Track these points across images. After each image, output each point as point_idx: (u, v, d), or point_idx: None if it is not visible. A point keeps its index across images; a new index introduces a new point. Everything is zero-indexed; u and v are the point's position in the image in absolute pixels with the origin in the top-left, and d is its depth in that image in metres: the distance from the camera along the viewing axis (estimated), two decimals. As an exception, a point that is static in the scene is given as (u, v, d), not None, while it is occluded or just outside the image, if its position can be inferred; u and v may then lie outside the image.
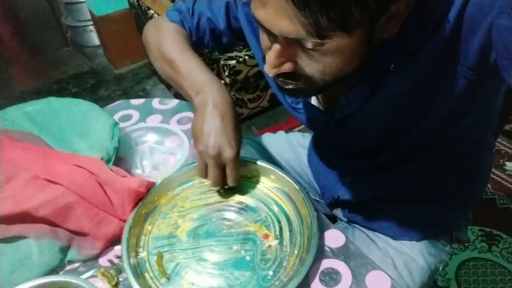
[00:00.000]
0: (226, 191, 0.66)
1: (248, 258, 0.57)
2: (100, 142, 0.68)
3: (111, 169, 0.64)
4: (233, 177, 0.61)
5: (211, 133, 0.58)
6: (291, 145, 0.94)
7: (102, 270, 0.57)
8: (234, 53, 1.73)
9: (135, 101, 0.90)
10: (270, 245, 0.59)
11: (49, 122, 0.72)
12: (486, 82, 0.50)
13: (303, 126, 1.60)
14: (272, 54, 0.47)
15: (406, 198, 0.74)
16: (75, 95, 2.30)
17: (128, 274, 0.54)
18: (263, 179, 0.68)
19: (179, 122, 0.83)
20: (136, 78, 2.43)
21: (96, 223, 0.59)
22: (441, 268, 0.77)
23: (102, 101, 2.15)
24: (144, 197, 0.63)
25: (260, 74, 1.72)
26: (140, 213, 0.62)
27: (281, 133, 0.99)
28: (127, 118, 0.85)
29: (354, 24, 0.42)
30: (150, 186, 0.64)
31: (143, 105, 0.89)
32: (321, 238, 0.59)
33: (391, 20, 0.45)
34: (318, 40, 0.43)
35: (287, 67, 0.49)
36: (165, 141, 0.79)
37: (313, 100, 0.66)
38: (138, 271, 0.56)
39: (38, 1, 2.82)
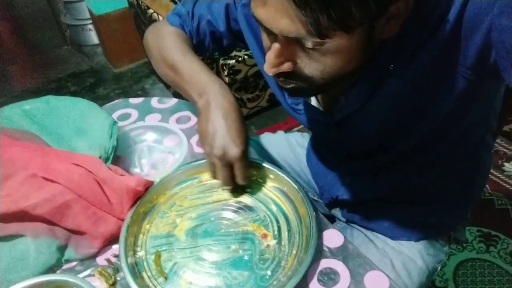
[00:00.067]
0: (235, 189, 0.65)
1: (246, 257, 0.57)
2: (99, 141, 0.68)
3: (109, 168, 0.63)
4: (241, 175, 0.60)
5: (215, 134, 0.58)
6: (290, 144, 0.94)
7: (99, 269, 0.57)
8: (234, 53, 1.72)
9: (134, 100, 0.90)
10: (268, 245, 0.59)
11: (48, 121, 0.72)
12: (485, 82, 0.50)
13: (302, 126, 1.60)
14: (271, 53, 0.47)
15: (405, 198, 0.74)
16: (74, 94, 2.30)
17: (126, 273, 0.54)
18: (261, 179, 0.68)
19: (178, 121, 0.83)
20: (135, 77, 2.43)
21: (94, 221, 0.59)
22: (439, 268, 0.77)
23: (101, 100, 2.15)
24: (142, 196, 0.63)
25: (260, 74, 1.72)
26: (138, 212, 0.62)
27: (280, 132, 0.99)
28: (125, 117, 0.85)
29: (354, 24, 0.42)
30: (148, 185, 0.64)
31: (142, 104, 0.89)
32: (319, 238, 0.59)
33: (391, 20, 0.45)
34: (318, 40, 0.43)
35: (286, 66, 0.49)
36: (163, 140, 0.78)
37: (313, 101, 0.66)
38: (136, 270, 0.55)
39: (37, -1, 2.82)
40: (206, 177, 0.69)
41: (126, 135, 0.77)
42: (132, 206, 0.62)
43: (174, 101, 0.89)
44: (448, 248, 0.79)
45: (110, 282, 0.55)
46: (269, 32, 0.47)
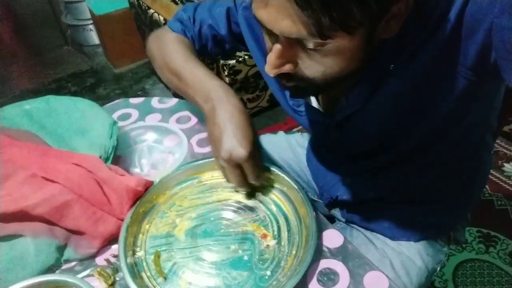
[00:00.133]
0: (251, 192, 0.65)
1: (246, 258, 0.57)
2: (99, 141, 0.68)
3: (109, 168, 0.63)
4: (251, 175, 0.60)
5: (221, 138, 0.58)
6: (290, 145, 0.94)
7: (98, 269, 0.57)
8: (234, 53, 1.73)
9: (134, 100, 0.90)
10: (268, 245, 0.59)
11: (48, 121, 0.72)
12: (486, 82, 0.50)
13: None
14: (272, 54, 0.47)
15: (405, 199, 0.74)
16: (74, 94, 2.30)
17: (125, 273, 0.54)
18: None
19: (178, 121, 0.83)
20: (135, 77, 2.43)
21: (94, 221, 0.59)
22: (438, 268, 0.77)
23: (101, 100, 2.15)
24: (142, 196, 0.63)
25: (260, 74, 1.72)
26: (138, 212, 0.62)
27: (280, 133, 0.99)
28: (126, 117, 0.85)
29: (356, 25, 0.42)
30: (148, 185, 0.64)
31: (142, 104, 0.89)
32: (319, 238, 0.59)
33: (391, 20, 0.45)
34: (320, 40, 0.43)
35: (287, 67, 0.49)
36: (164, 140, 0.78)
37: (314, 102, 0.66)
38: (135, 271, 0.55)
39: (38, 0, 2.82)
40: (206, 177, 0.69)
41: (126, 135, 0.77)
42: (131, 206, 0.62)
43: (174, 101, 0.89)
44: (447, 249, 0.79)
45: (109, 282, 0.55)
46: (270, 33, 0.47)
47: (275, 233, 0.60)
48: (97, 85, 2.39)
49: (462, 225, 0.83)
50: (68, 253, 0.58)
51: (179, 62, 0.69)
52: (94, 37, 2.67)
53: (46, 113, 0.73)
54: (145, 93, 2.29)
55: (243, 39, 0.72)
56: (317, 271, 0.56)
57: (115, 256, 0.59)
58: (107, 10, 2.22)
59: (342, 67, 0.48)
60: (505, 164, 1.64)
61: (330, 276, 0.55)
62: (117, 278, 0.56)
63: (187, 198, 0.66)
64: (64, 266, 0.58)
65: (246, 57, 1.71)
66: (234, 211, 0.64)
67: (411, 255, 0.73)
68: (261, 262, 0.56)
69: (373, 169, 0.70)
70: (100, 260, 0.59)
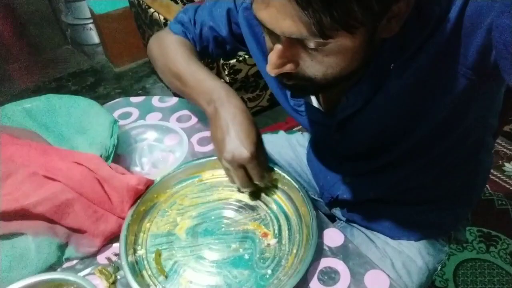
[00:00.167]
0: (256, 192, 0.65)
1: (246, 256, 0.57)
2: (99, 139, 0.68)
3: (110, 166, 0.63)
4: (255, 176, 0.59)
5: (224, 140, 0.58)
6: (290, 144, 0.94)
7: (99, 267, 0.56)
8: (234, 52, 1.73)
9: (134, 99, 0.90)
10: (268, 244, 0.59)
11: (48, 119, 0.72)
12: (486, 82, 0.50)
13: (302, 125, 1.60)
14: (274, 54, 0.47)
15: (405, 198, 0.74)
16: (74, 93, 2.30)
17: (126, 271, 0.54)
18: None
19: (179, 120, 0.83)
20: (135, 76, 2.43)
21: (95, 220, 0.59)
22: (439, 268, 0.77)
23: (101, 99, 2.15)
24: (143, 195, 0.63)
25: (260, 73, 1.72)
26: (138, 211, 0.62)
27: (280, 132, 0.99)
28: (126, 115, 0.85)
29: (357, 24, 0.41)
30: (149, 184, 0.64)
31: (143, 102, 0.89)
32: (320, 237, 0.59)
33: (392, 19, 0.45)
34: (321, 40, 0.43)
35: (288, 67, 0.48)
36: (164, 139, 0.78)
37: (314, 102, 0.66)
38: (136, 269, 0.55)
39: (38, -1, 2.82)
40: (206, 176, 0.69)
41: (127, 134, 0.77)
42: (132, 204, 0.62)
43: (174, 100, 0.89)
44: (448, 248, 0.79)
45: (111, 280, 0.55)
46: (271, 33, 0.47)
47: (276, 232, 0.60)
48: (97, 84, 2.40)
49: (462, 225, 0.83)
50: (69, 251, 0.58)
51: (180, 65, 0.69)
52: (94, 36, 2.67)
53: (47, 111, 0.73)
54: (145, 92, 2.29)
55: (244, 40, 0.72)
56: (317, 270, 0.56)
57: (116, 255, 0.59)
58: (107, 9, 2.22)
59: (343, 67, 0.48)
60: (506, 164, 1.64)
61: (331, 274, 0.55)
62: (118, 277, 0.56)
63: (188, 197, 0.66)
64: (65, 265, 0.58)
65: (246, 56, 1.71)
66: (235, 210, 0.64)
67: (412, 254, 0.73)
68: (262, 260, 0.57)
69: (374, 169, 0.70)
70: (101, 259, 0.59)
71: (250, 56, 1.73)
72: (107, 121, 0.71)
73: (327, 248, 0.59)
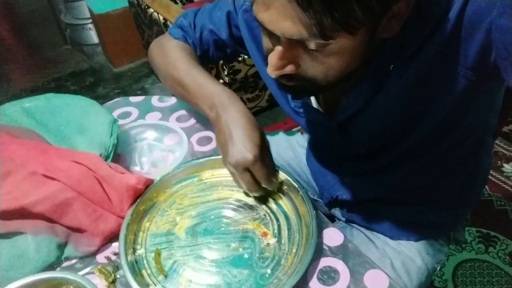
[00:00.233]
0: (264, 197, 0.64)
1: (246, 256, 0.57)
2: (99, 139, 0.68)
3: (109, 166, 0.63)
4: (261, 178, 0.59)
5: (226, 144, 0.58)
6: (290, 144, 0.94)
7: (99, 267, 0.56)
8: (234, 53, 1.73)
9: (134, 99, 0.90)
10: (268, 243, 0.59)
11: (48, 118, 0.72)
12: (486, 82, 0.50)
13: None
14: (274, 56, 0.47)
15: (405, 198, 0.74)
16: (73, 93, 2.27)
17: (126, 271, 0.54)
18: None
19: (178, 119, 0.83)
20: (134, 76, 2.43)
21: (94, 219, 0.59)
22: (438, 268, 0.77)
23: (100, 100, 2.13)
24: (143, 194, 0.63)
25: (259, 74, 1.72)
26: (138, 210, 0.62)
27: (280, 132, 0.99)
28: (126, 115, 0.85)
29: (358, 25, 0.41)
30: (148, 183, 0.64)
31: (142, 102, 0.89)
32: (319, 236, 0.59)
33: (392, 20, 0.45)
34: (322, 41, 0.43)
35: (289, 69, 0.48)
36: (164, 139, 0.78)
37: (314, 104, 0.66)
38: (136, 268, 0.55)
39: (37, -1, 2.82)
40: (206, 175, 0.69)
41: (127, 133, 0.77)
42: (132, 204, 0.62)
43: (174, 99, 0.89)
44: (447, 248, 0.79)
45: (110, 280, 0.55)
46: (272, 35, 0.47)
47: (275, 231, 0.60)
48: (96, 84, 2.39)
49: (462, 225, 0.83)
50: (68, 250, 0.58)
51: (181, 70, 0.69)
52: (93, 36, 2.67)
53: (46, 110, 0.73)
54: (144, 92, 2.29)
55: (244, 43, 0.72)
56: (317, 269, 0.56)
57: (116, 254, 0.59)
58: (107, 9, 2.22)
59: (343, 67, 0.48)
60: (505, 165, 1.64)
61: (330, 274, 0.55)
62: (118, 276, 0.56)
63: (187, 196, 0.66)
64: (65, 264, 0.58)
65: (245, 56, 1.71)
66: (234, 210, 0.64)
67: (411, 254, 0.73)
68: (261, 260, 0.57)
69: (374, 169, 0.70)
70: (100, 258, 0.59)
71: (249, 57, 1.74)
72: (106, 121, 0.71)
73: (326, 248, 0.59)
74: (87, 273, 0.57)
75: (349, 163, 0.73)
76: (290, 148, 0.93)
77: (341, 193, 0.76)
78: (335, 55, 0.46)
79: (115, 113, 0.85)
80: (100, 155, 0.65)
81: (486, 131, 0.70)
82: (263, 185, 0.60)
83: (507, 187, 1.55)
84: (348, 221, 0.81)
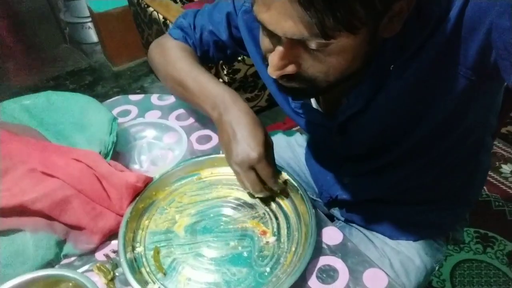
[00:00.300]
0: (270, 198, 0.64)
1: (245, 254, 0.57)
2: (98, 136, 0.68)
3: (109, 164, 0.63)
4: (266, 177, 0.59)
5: (231, 144, 0.58)
6: (289, 144, 0.94)
7: (98, 264, 0.56)
8: (233, 52, 1.72)
9: (133, 97, 0.90)
10: (267, 242, 0.59)
11: (47, 116, 0.71)
12: (486, 82, 0.50)
13: (300, 126, 1.60)
14: (275, 56, 0.47)
15: (404, 198, 0.74)
16: (73, 92, 2.29)
17: (125, 268, 0.54)
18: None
19: (178, 118, 0.83)
20: (134, 75, 2.43)
21: (93, 217, 0.59)
22: (437, 268, 0.77)
23: (100, 98, 2.13)
24: (142, 192, 0.63)
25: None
26: (137, 208, 0.62)
27: (279, 132, 0.99)
28: (125, 113, 0.85)
29: (359, 24, 0.41)
30: (147, 181, 0.64)
31: (142, 100, 0.89)
32: (318, 235, 0.59)
33: (393, 19, 0.45)
34: (323, 41, 0.43)
35: (290, 69, 0.48)
36: (163, 137, 0.78)
37: (314, 105, 0.66)
38: (135, 266, 0.55)
39: (36, -3, 2.82)
40: (205, 174, 0.69)
41: (126, 132, 0.77)
42: (131, 202, 0.62)
43: (173, 98, 0.89)
44: (446, 248, 0.79)
45: (109, 277, 0.55)
46: (272, 35, 0.47)
47: (275, 230, 0.60)
48: (95, 83, 2.39)
49: (461, 225, 0.83)
50: (67, 248, 0.58)
51: (182, 71, 0.69)
52: (92, 35, 2.67)
53: (46, 108, 0.72)
54: (143, 91, 2.29)
55: (244, 44, 0.72)
56: (316, 268, 0.56)
57: (115, 252, 0.59)
58: (106, 8, 2.22)
59: (344, 67, 0.48)
60: (503, 166, 1.65)
61: (329, 273, 0.55)
62: (117, 274, 0.56)
63: (187, 195, 0.66)
64: (64, 261, 0.58)
65: (245, 56, 1.71)
66: (234, 208, 0.64)
67: (410, 254, 0.73)
68: (260, 258, 0.57)
69: (374, 169, 0.70)
70: (99, 256, 0.59)
71: (249, 57, 1.74)
72: (106, 118, 0.71)
73: (325, 247, 0.59)
74: (86, 271, 0.57)
75: (349, 163, 0.73)
76: (289, 148, 0.93)
77: (341, 193, 0.76)
78: (336, 54, 0.46)
79: (115, 111, 0.85)
80: (100, 153, 0.65)
81: (486, 131, 0.70)
82: (268, 185, 0.60)
83: (505, 188, 1.55)
84: (347, 221, 0.81)
